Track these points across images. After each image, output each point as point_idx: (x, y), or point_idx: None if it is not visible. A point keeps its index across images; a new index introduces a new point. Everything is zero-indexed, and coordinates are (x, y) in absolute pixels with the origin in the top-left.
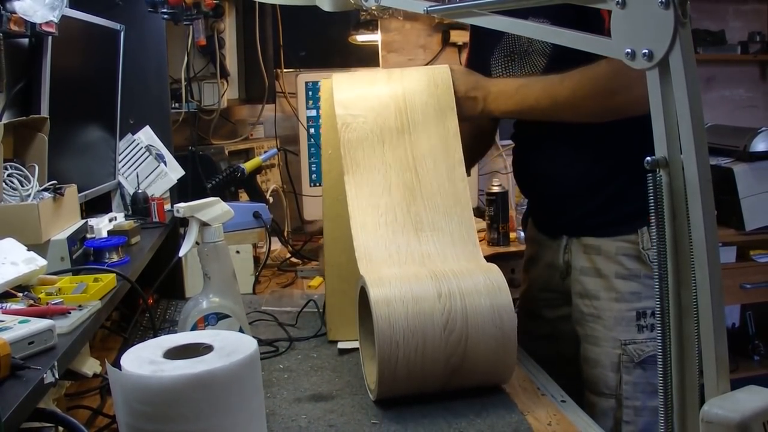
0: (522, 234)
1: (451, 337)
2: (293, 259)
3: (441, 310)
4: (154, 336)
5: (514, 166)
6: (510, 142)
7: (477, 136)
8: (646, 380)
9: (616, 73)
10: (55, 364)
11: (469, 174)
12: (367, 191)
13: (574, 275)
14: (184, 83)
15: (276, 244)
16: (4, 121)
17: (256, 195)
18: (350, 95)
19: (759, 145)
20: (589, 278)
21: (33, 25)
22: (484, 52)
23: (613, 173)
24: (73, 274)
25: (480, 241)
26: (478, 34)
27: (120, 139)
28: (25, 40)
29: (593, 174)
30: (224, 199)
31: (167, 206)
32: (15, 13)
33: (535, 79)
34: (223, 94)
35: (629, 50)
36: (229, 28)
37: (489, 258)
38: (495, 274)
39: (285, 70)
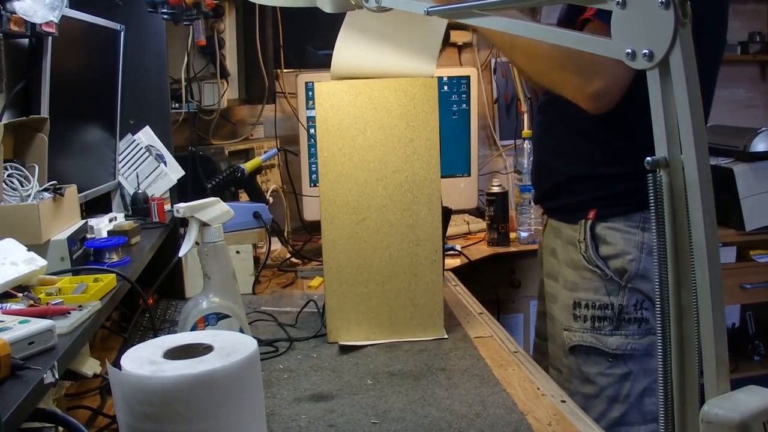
0: (522, 234)
1: None
2: (293, 260)
3: None
4: (154, 336)
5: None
6: (510, 142)
7: None
8: (578, 367)
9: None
10: (55, 364)
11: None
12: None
13: (545, 255)
14: (184, 83)
15: (276, 245)
16: (4, 121)
17: (256, 195)
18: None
19: (759, 145)
20: (552, 259)
21: (33, 25)
22: None
23: (577, 158)
24: (73, 275)
25: (480, 241)
26: None
27: (120, 140)
28: (25, 40)
29: (562, 152)
30: (224, 199)
31: (167, 206)
32: (15, 13)
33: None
34: (223, 94)
35: (629, 50)
36: (229, 28)
37: (489, 258)
38: None
39: (285, 70)
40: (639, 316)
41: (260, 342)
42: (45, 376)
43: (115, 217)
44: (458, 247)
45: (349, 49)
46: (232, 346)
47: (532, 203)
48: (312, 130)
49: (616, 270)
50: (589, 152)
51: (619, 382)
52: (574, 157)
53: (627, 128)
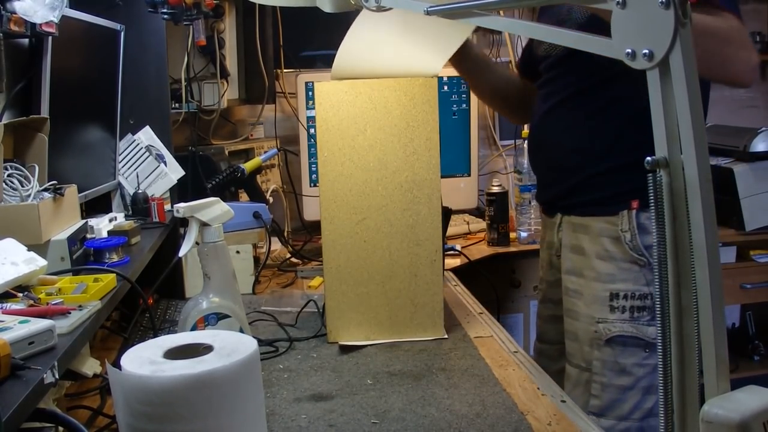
0: (522, 234)
1: None
2: (293, 259)
3: None
4: (154, 336)
5: (528, 139)
6: (510, 142)
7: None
8: (614, 359)
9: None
10: (55, 364)
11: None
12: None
13: (564, 253)
14: (184, 83)
15: (276, 244)
16: (4, 121)
17: (256, 195)
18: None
19: (759, 145)
20: (575, 256)
21: (33, 25)
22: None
23: (605, 152)
24: (73, 275)
25: (480, 241)
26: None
27: (120, 140)
28: (25, 40)
29: (586, 149)
30: (224, 199)
31: (167, 206)
32: (15, 13)
33: None
34: (223, 94)
35: (630, 50)
36: (229, 28)
37: (489, 258)
38: None
39: (285, 70)
40: None
41: (260, 342)
42: (45, 376)
43: (115, 217)
44: (458, 247)
45: (351, 51)
46: (232, 346)
47: (532, 203)
48: (312, 130)
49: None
50: (624, 143)
51: (654, 372)
52: (603, 150)
53: (634, 109)
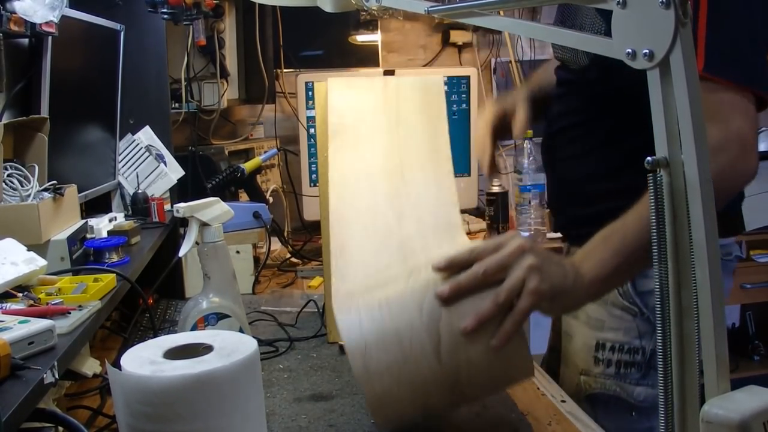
0: (523, 234)
1: (446, 362)
2: (293, 259)
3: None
4: (154, 336)
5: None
6: (510, 142)
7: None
8: (594, 419)
9: (738, 148)
10: (55, 364)
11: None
12: (350, 202)
13: None
14: (184, 83)
15: (276, 244)
16: (4, 121)
17: (256, 195)
18: (344, 104)
19: (759, 145)
20: None
21: (33, 25)
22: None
23: (619, 188)
24: (73, 274)
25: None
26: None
27: (120, 139)
28: (25, 40)
29: (597, 181)
30: (224, 199)
31: (167, 206)
32: (15, 13)
33: (621, 218)
34: (223, 94)
35: (630, 50)
36: (229, 28)
37: None
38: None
39: (285, 70)
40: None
41: (260, 342)
42: (45, 376)
43: (115, 217)
44: None
45: None
46: (232, 346)
47: (532, 203)
48: (312, 130)
49: (653, 308)
50: (629, 182)
51: None
52: (612, 182)
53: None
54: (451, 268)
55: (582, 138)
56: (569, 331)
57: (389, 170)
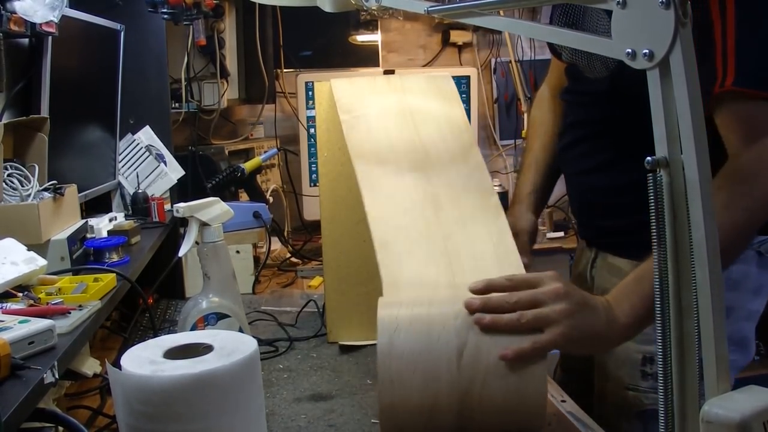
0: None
1: (463, 372)
2: (293, 259)
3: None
4: (154, 336)
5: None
6: (510, 142)
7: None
8: None
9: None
10: (55, 364)
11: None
12: (384, 192)
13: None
14: (184, 83)
15: (276, 244)
16: (4, 121)
17: (256, 195)
18: (351, 99)
19: None
20: None
21: (33, 25)
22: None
23: (639, 201)
24: (73, 274)
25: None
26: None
27: (120, 139)
28: (25, 40)
29: (615, 194)
30: (224, 199)
31: (167, 206)
32: (15, 13)
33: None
34: (223, 94)
35: (630, 50)
36: (229, 28)
37: None
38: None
39: (285, 70)
40: None
41: (260, 342)
42: (45, 375)
43: (115, 217)
44: None
45: None
46: (232, 346)
47: None
48: (312, 130)
49: None
50: None
51: None
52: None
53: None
54: (488, 292)
55: (593, 151)
56: None
57: (412, 154)
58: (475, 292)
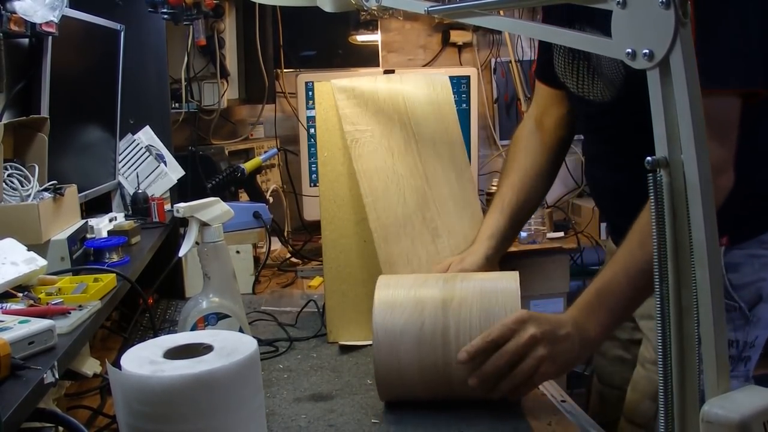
0: (522, 234)
1: (447, 345)
2: (293, 259)
3: (443, 319)
4: (154, 336)
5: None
6: (510, 142)
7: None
8: None
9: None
10: (55, 364)
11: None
12: (384, 204)
13: None
14: (184, 83)
15: (276, 244)
16: (4, 121)
17: (256, 195)
18: (355, 110)
19: None
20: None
21: (33, 25)
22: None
23: None
24: (73, 274)
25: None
26: (548, 19)
27: (120, 139)
28: (25, 40)
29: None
30: (224, 199)
31: (167, 206)
32: (15, 13)
33: (610, 268)
34: (223, 94)
35: (630, 50)
36: (229, 28)
37: None
38: (508, 281)
39: (285, 70)
40: (747, 354)
41: (260, 342)
42: (45, 376)
43: (115, 217)
44: None
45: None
46: (232, 346)
47: None
48: (312, 130)
49: (746, 301)
50: None
51: None
52: None
53: (753, 147)
54: (473, 359)
55: (614, 155)
56: (648, 334)
57: (411, 169)
58: (461, 362)
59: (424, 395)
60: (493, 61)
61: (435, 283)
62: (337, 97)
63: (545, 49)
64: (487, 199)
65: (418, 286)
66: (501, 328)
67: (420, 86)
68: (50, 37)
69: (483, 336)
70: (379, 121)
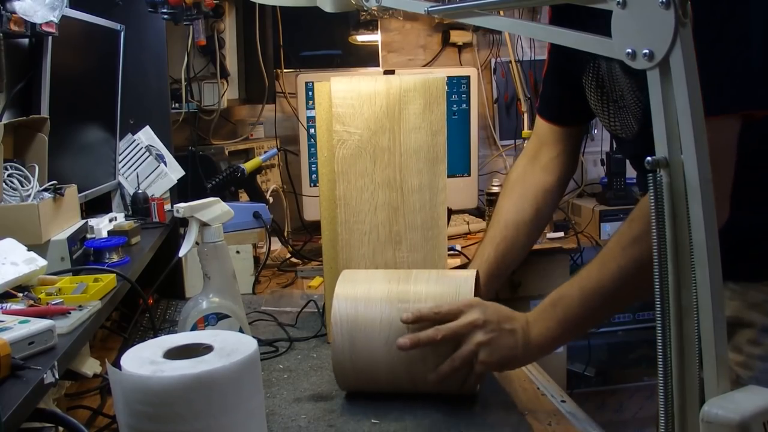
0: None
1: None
2: (293, 259)
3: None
4: (154, 336)
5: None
6: (510, 142)
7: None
8: None
9: None
10: (55, 364)
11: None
12: (354, 209)
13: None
14: (184, 83)
15: (276, 244)
16: (4, 121)
17: (256, 195)
18: (348, 110)
19: None
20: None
21: (33, 25)
22: (574, 74)
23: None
24: (73, 275)
25: (480, 241)
26: (563, 56)
27: (120, 139)
28: (25, 40)
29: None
30: (224, 199)
31: (167, 206)
32: (15, 13)
33: (570, 282)
34: (223, 94)
35: (630, 50)
36: (229, 28)
37: None
38: (466, 272)
39: (285, 70)
40: None
41: (260, 342)
42: (45, 376)
43: (115, 217)
44: (458, 247)
45: None
46: (232, 346)
47: None
48: (312, 130)
49: None
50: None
51: None
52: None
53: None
54: (417, 321)
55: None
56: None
57: (389, 181)
58: (405, 322)
59: (385, 380)
60: (493, 61)
61: (395, 276)
62: (333, 95)
63: (550, 83)
64: (487, 199)
65: (378, 280)
66: (450, 306)
67: (418, 91)
68: (50, 37)
69: (432, 307)
70: (370, 126)
